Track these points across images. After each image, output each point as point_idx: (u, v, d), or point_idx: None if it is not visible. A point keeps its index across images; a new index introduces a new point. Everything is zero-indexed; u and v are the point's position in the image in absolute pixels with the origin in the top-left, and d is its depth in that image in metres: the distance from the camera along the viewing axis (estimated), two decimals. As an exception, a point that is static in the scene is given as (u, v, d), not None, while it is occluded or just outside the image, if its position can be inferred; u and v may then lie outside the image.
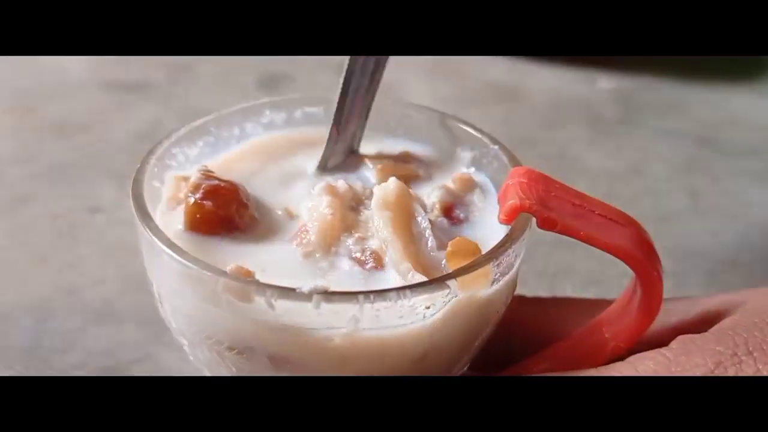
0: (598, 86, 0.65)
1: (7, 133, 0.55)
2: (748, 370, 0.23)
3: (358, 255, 0.24)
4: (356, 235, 0.25)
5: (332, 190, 0.26)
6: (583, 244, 0.26)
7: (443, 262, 0.24)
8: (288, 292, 0.21)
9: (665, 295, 0.29)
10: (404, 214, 0.25)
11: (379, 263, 0.24)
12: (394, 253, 0.24)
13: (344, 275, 0.24)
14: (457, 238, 0.24)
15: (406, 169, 0.29)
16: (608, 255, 0.26)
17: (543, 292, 0.41)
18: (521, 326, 0.32)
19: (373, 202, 0.25)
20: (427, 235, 0.25)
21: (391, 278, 0.24)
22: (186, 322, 0.24)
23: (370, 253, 0.24)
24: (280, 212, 0.27)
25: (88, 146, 0.54)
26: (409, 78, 0.62)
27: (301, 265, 0.24)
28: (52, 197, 0.48)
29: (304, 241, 0.25)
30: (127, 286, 0.41)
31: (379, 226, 0.24)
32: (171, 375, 0.35)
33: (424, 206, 0.26)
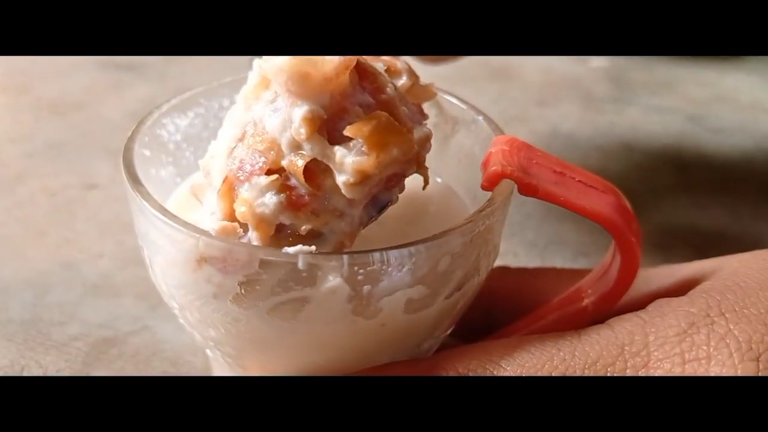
0: (590, 64, 0.66)
1: (2, 112, 0.56)
2: (719, 330, 0.24)
3: (271, 98, 0.24)
4: (273, 89, 0.25)
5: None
6: (574, 216, 0.26)
7: None
8: (273, 252, 0.22)
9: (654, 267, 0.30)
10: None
11: None
12: (274, 72, 0.23)
13: (255, 116, 0.24)
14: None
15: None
16: (599, 227, 0.26)
17: (534, 264, 0.42)
18: (504, 296, 0.33)
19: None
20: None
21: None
22: (175, 284, 0.24)
23: (278, 95, 0.24)
24: None
25: (84, 124, 0.54)
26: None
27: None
28: (48, 174, 0.49)
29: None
30: (124, 261, 0.41)
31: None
32: (167, 345, 0.36)
33: None
